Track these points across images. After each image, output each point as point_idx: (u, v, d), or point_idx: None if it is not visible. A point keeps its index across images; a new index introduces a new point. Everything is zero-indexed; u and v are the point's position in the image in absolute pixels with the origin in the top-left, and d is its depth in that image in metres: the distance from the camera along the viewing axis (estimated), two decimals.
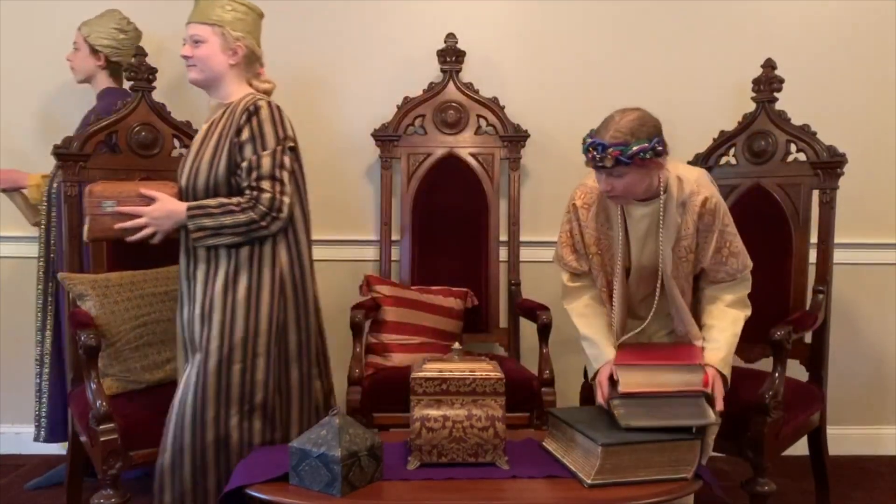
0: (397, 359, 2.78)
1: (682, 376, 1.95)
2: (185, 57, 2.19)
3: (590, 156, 1.96)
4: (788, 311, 2.66)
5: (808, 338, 2.66)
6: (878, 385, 3.40)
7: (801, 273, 2.70)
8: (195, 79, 2.21)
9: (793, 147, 2.77)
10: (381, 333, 2.84)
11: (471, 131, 3.17)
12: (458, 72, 3.17)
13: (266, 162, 2.08)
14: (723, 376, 2.04)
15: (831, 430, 2.75)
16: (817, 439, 2.66)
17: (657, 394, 1.93)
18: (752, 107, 2.88)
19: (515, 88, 3.24)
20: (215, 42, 2.17)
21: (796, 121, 2.78)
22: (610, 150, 1.91)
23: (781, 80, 2.82)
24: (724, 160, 2.94)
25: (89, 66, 2.97)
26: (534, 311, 2.78)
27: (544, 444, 2.00)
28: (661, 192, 2.06)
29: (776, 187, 2.77)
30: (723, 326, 2.11)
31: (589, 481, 1.75)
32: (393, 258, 3.17)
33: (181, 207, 2.10)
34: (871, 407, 3.41)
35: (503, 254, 3.17)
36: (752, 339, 2.55)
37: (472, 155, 3.15)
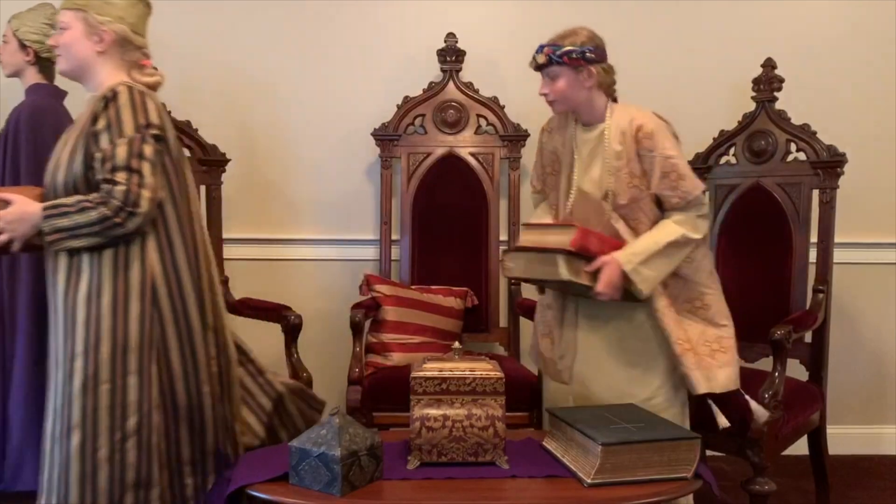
0: (397, 358, 2.78)
1: (558, 236, 2.14)
2: (53, 46, 2.00)
3: (532, 58, 2.22)
4: (788, 310, 2.66)
5: (808, 337, 2.66)
6: (878, 385, 3.41)
7: (801, 273, 2.70)
8: (62, 69, 2.00)
9: (793, 146, 2.77)
10: (381, 333, 2.84)
11: (471, 131, 3.17)
12: (458, 71, 3.17)
13: (121, 151, 1.83)
14: (626, 274, 2.10)
15: (831, 430, 2.76)
16: (817, 439, 2.67)
17: (534, 249, 2.16)
18: (752, 106, 2.88)
19: (515, 88, 3.23)
20: (78, 28, 1.96)
21: (796, 120, 2.78)
22: (545, 48, 2.20)
23: (781, 80, 2.82)
24: (724, 160, 2.94)
25: (18, 61, 2.82)
26: (534, 310, 2.78)
27: (544, 443, 2.00)
28: (608, 117, 2.22)
29: (776, 187, 2.77)
30: (652, 233, 2.18)
31: (588, 481, 1.75)
32: (393, 257, 3.17)
33: (37, 209, 1.86)
34: (871, 407, 3.41)
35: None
36: (752, 339, 2.55)
37: (472, 154, 3.15)
